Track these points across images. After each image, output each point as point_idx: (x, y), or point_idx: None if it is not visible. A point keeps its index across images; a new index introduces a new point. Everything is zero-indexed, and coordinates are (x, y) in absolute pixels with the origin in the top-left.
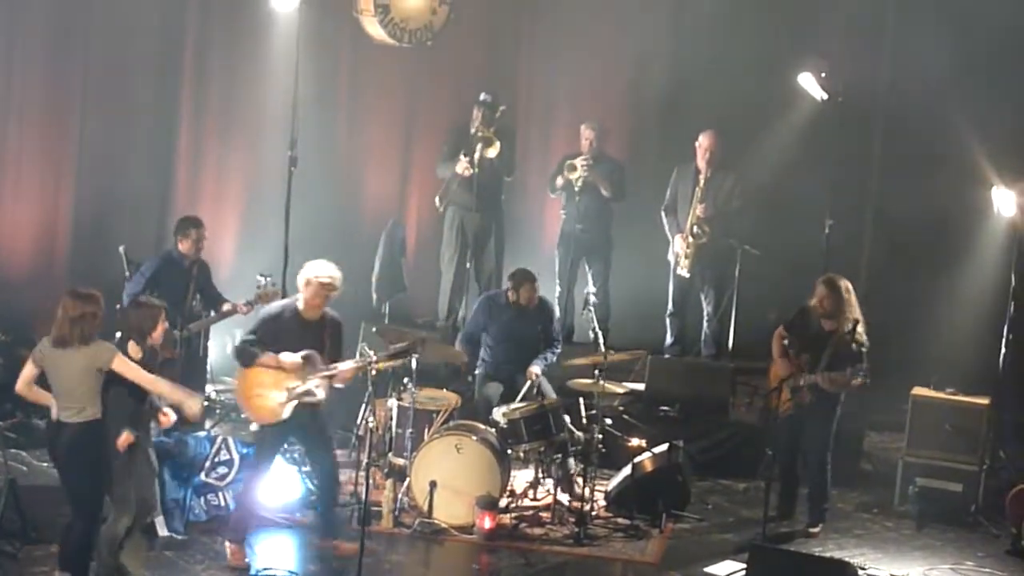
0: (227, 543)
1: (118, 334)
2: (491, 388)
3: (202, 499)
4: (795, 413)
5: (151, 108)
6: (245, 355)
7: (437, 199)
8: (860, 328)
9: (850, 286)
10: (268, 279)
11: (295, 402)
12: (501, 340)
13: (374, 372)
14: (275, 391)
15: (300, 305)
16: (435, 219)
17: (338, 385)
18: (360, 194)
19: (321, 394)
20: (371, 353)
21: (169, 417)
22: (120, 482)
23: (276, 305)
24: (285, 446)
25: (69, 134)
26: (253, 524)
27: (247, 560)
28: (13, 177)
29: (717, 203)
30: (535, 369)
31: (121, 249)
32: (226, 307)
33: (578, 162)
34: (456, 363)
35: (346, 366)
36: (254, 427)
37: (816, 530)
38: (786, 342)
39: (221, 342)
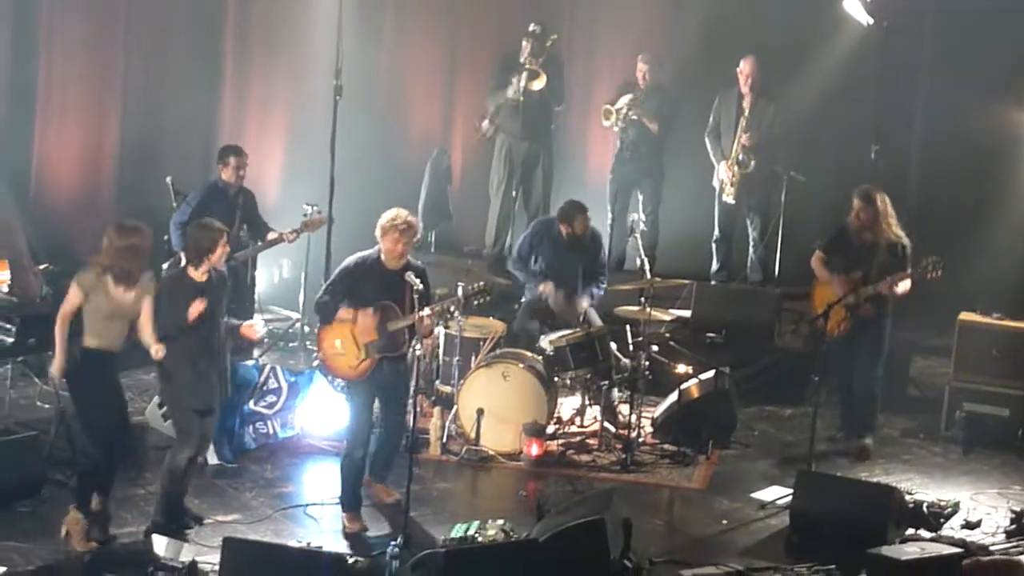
0: (342, 513)
1: (165, 265)
2: (535, 323)
3: (250, 427)
4: (850, 332)
5: (194, 37)
6: (323, 311)
7: (485, 123)
8: (902, 239)
9: (886, 197)
10: (314, 207)
11: (375, 357)
12: (550, 268)
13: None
14: (352, 347)
15: (382, 255)
16: (481, 147)
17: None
18: (405, 123)
19: (406, 347)
20: (417, 282)
21: (254, 329)
22: (181, 412)
23: (355, 257)
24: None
25: (113, 64)
26: (360, 489)
27: (364, 525)
28: (58, 108)
29: (761, 130)
30: (583, 302)
31: (168, 180)
32: (272, 236)
33: (615, 107)
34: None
35: (412, 318)
36: (340, 384)
37: (868, 442)
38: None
39: (268, 271)
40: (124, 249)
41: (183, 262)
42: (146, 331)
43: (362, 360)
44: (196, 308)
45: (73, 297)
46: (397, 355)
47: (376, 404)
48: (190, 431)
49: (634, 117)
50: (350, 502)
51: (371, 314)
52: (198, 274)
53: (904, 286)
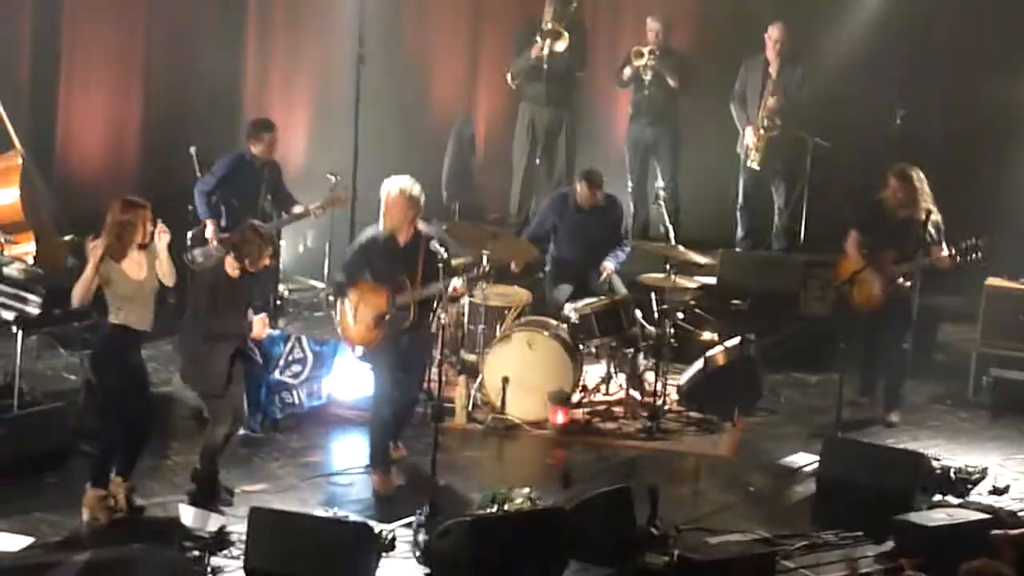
0: (371, 474)
1: (189, 234)
2: (560, 290)
3: (276, 397)
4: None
5: (218, 6)
6: (338, 289)
7: (509, 76)
8: (934, 215)
9: (921, 174)
10: (338, 178)
11: (385, 330)
12: (569, 240)
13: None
14: (366, 318)
15: (388, 229)
16: (505, 115)
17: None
18: (429, 91)
19: (411, 317)
20: (441, 250)
21: (263, 324)
22: (207, 394)
23: (366, 233)
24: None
25: (137, 35)
26: (389, 449)
27: (396, 484)
28: (82, 78)
29: (788, 95)
30: (609, 264)
31: (192, 150)
32: (297, 209)
33: (645, 49)
34: (527, 260)
35: (424, 292)
36: (358, 353)
37: (895, 418)
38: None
39: (293, 243)
40: (118, 224)
41: (208, 230)
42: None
43: (370, 331)
44: (260, 326)
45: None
46: (407, 328)
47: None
48: (221, 410)
49: (652, 63)
50: (380, 459)
51: (382, 289)
52: (231, 268)
53: (944, 258)
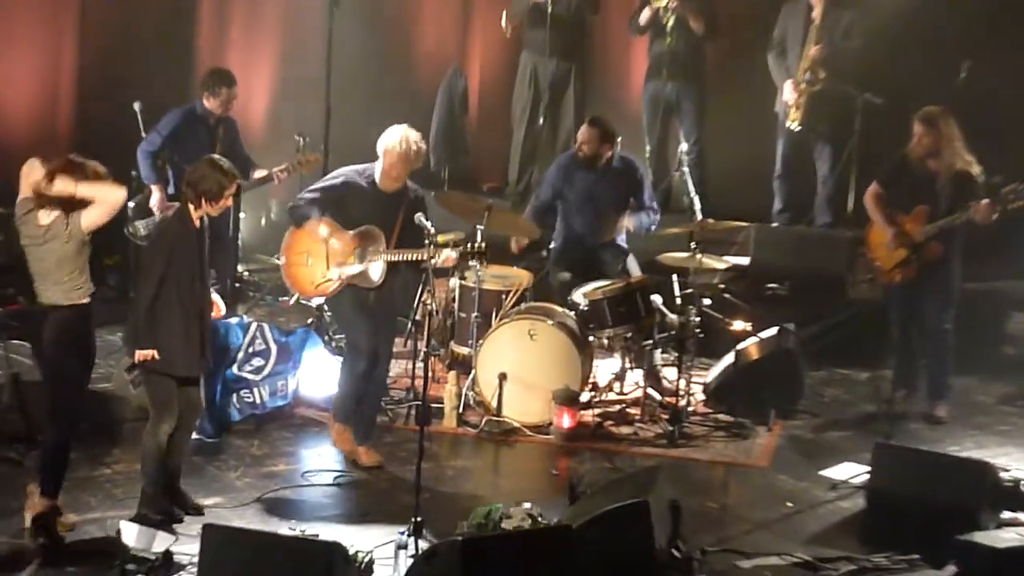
0: (332, 423)
1: (131, 204)
2: (567, 272)
3: (234, 396)
4: (912, 277)
5: None
6: (298, 213)
7: (504, 20)
8: (971, 160)
9: (951, 119)
10: (307, 139)
11: (342, 283)
12: (579, 208)
13: (440, 259)
14: (320, 264)
15: (377, 175)
16: (504, 67)
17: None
18: (414, 38)
19: (376, 277)
20: (428, 224)
21: (218, 308)
22: (157, 379)
23: (350, 170)
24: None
25: None
26: (358, 399)
27: (355, 445)
28: (4, 27)
29: (833, 43)
30: (626, 222)
31: (136, 106)
32: (258, 174)
33: None
34: (529, 239)
35: (403, 252)
36: (293, 299)
37: (942, 412)
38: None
39: (254, 216)
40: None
41: (154, 198)
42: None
43: (325, 280)
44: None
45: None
46: (370, 286)
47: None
48: (166, 401)
49: (674, 5)
50: (343, 413)
51: (351, 237)
52: (195, 216)
53: (983, 214)
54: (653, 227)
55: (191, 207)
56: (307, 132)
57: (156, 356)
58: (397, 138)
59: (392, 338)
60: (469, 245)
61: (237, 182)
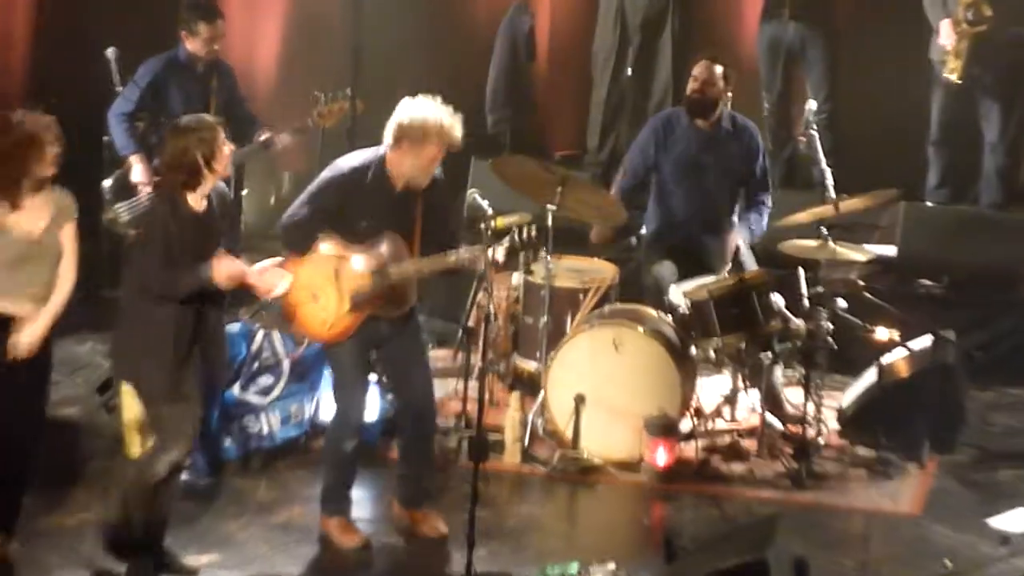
0: (324, 519)
1: (106, 185)
2: (665, 264)
3: (235, 425)
4: None
5: None
6: (295, 235)
7: None
8: None
9: None
10: (328, 95)
11: (363, 312)
12: (679, 185)
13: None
14: (330, 298)
15: (388, 166)
16: (581, 1)
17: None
18: None
19: (407, 299)
20: (484, 204)
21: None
22: (163, 400)
23: (348, 161)
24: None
25: None
26: (352, 486)
27: (363, 538)
28: None
29: None
30: (737, 237)
31: (108, 53)
32: (264, 136)
33: None
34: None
35: (437, 262)
36: (303, 346)
37: None
38: None
39: (261, 192)
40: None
41: (136, 171)
42: (65, 280)
43: (343, 315)
44: (225, 269)
45: None
46: (396, 316)
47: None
48: (173, 420)
49: None
50: (335, 501)
51: (366, 252)
52: (196, 199)
53: None
54: (766, 219)
55: (185, 193)
56: (328, 85)
57: None
58: (435, 114)
59: (426, 362)
60: (515, 236)
61: (219, 125)
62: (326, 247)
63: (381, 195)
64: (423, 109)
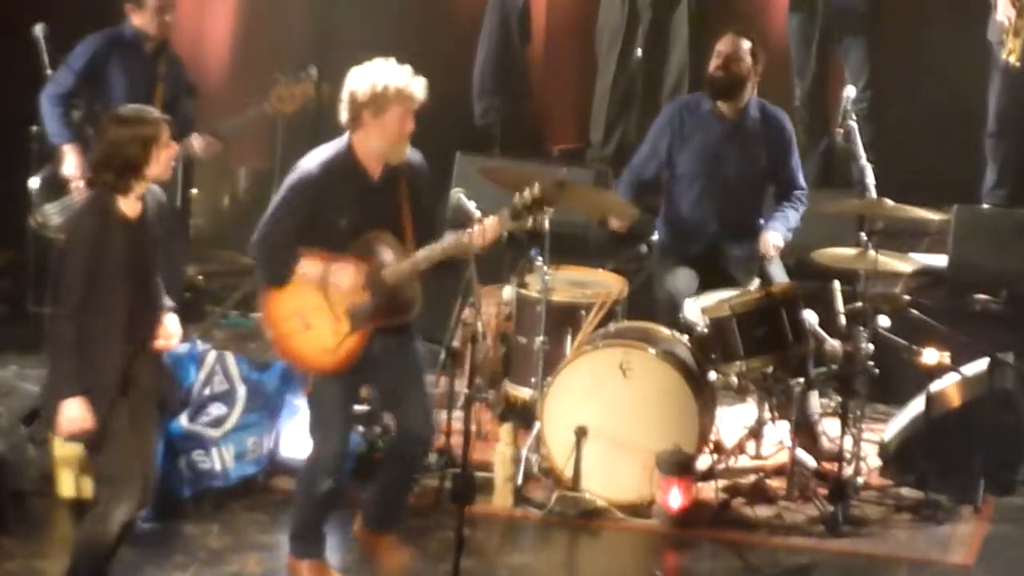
0: (294, 561)
1: (34, 183)
2: (680, 275)
3: (183, 460)
4: None
5: None
6: (272, 263)
7: None
8: None
9: None
10: (289, 77)
11: (367, 328)
12: (697, 179)
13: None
14: (324, 320)
15: (357, 152)
16: None
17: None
18: None
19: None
20: (471, 205)
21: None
22: (109, 443)
23: (313, 162)
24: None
25: None
26: (323, 526)
27: (367, 534)
28: None
29: None
30: (773, 238)
31: (37, 31)
32: (196, 143)
33: None
34: (619, 223)
35: (433, 251)
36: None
37: None
38: None
39: (213, 193)
40: None
41: (68, 164)
42: None
43: (343, 336)
44: (173, 328)
45: None
46: (396, 325)
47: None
48: (126, 472)
49: None
50: (308, 544)
51: (353, 259)
52: (129, 203)
53: None
54: (800, 217)
55: (118, 196)
56: (290, 67)
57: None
58: (385, 74)
59: (423, 382)
60: (523, 194)
61: (164, 120)
62: (307, 265)
63: (357, 188)
64: (371, 73)
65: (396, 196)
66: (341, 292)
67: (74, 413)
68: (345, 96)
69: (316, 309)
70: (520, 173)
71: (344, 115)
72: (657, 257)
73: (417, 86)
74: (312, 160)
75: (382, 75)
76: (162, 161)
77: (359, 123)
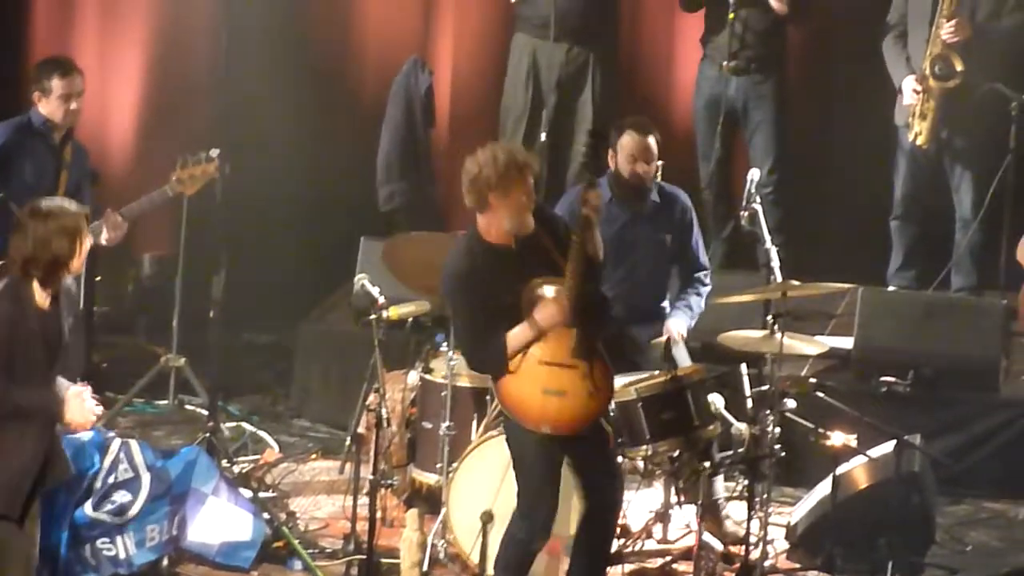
0: None
1: None
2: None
3: (86, 548)
4: None
5: None
6: (489, 358)
7: None
8: None
9: None
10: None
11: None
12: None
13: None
14: (570, 370)
15: (484, 234)
16: (487, 55)
17: None
18: (351, 16)
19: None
20: (375, 291)
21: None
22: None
23: (452, 262)
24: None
25: None
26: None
27: None
28: None
29: (975, 19)
30: (677, 325)
31: None
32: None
33: None
34: None
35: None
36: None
37: None
38: None
39: (115, 277)
40: None
41: None
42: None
43: (588, 370)
44: (79, 408)
45: None
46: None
47: None
48: (14, 558)
49: None
50: None
51: (534, 306)
52: (43, 295)
53: None
54: (703, 303)
55: (36, 285)
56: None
57: None
58: (497, 152)
59: (608, 453)
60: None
61: (85, 214)
62: (514, 338)
63: (503, 267)
64: (486, 155)
65: (541, 250)
66: (555, 339)
67: None
68: (466, 183)
69: (558, 371)
70: (421, 257)
71: (469, 201)
72: None
73: (525, 153)
74: (451, 263)
75: (495, 154)
76: (83, 254)
77: (484, 206)
